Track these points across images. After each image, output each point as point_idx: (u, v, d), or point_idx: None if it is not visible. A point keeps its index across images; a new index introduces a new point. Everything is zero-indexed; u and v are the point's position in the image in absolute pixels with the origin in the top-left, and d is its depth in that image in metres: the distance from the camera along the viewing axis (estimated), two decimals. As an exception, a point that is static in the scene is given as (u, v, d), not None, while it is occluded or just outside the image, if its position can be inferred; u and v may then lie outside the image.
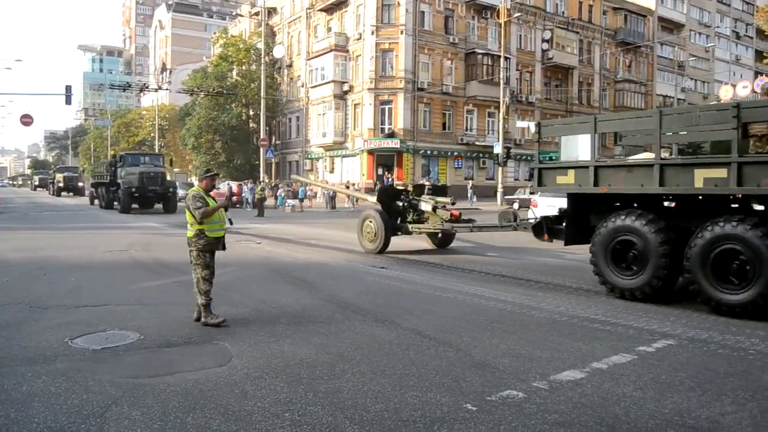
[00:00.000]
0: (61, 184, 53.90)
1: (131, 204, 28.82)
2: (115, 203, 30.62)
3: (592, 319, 7.22)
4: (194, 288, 6.82)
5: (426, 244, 14.83)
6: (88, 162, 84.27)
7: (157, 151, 66.09)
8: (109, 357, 5.60)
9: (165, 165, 33.45)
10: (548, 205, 17.05)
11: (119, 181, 29.51)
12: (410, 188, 15.04)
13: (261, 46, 45.26)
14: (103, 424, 4.07)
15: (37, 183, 77.41)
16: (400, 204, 14.17)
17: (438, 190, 15.00)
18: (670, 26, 61.54)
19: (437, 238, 14.50)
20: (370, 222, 13.55)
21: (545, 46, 48.89)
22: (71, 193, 53.34)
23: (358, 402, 4.48)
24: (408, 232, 13.74)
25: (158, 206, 30.05)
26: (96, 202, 35.81)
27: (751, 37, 73.54)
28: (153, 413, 4.24)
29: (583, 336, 6.43)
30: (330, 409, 4.35)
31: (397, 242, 14.02)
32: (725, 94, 38.63)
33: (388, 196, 14.43)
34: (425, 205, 13.82)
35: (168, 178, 31.86)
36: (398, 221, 14.04)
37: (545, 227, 10.40)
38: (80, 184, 55.55)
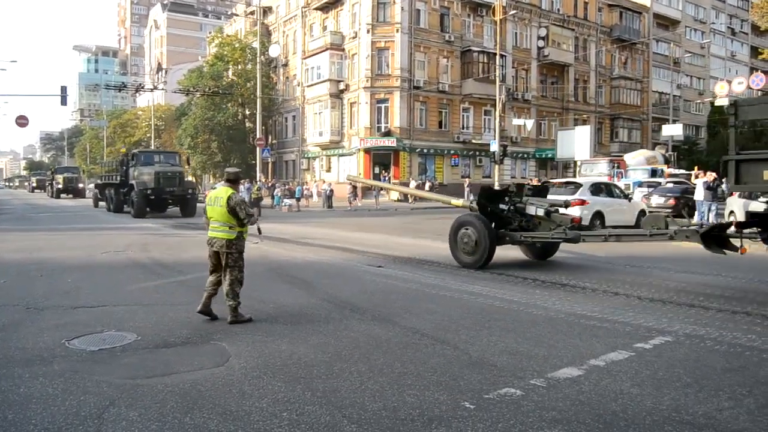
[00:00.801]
0: (60, 186, 51.69)
1: (146, 207, 25.85)
2: (126, 206, 28.12)
3: (589, 316, 7.23)
4: (226, 290, 6.88)
5: (521, 254, 12.76)
6: (84, 162, 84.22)
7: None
8: (106, 358, 5.60)
9: (181, 164, 30.63)
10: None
11: (132, 182, 26.57)
12: (513, 188, 12.30)
13: (257, 45, 45.19)
14: (100, 425, 4.07)
15: (34, 184, 75.55)
16: (504, 207, 11.69)
17: (540, 191, 12.69)
18: (665, 23, 61.62)
19: (536, 249, 12.50)
20: (468, 230, 11.25)
21: (541, 43, 48.92)
22: (71, 195, 51.35)
23: (356, 401, 4.48)
24: (517, 242, 11.52)
25: (173, 209, 27.36)
26: (101, 204, 33.23)
27: (747, 34, 73.65)
28: (151, 414, 4.24)
29: (581, 333, 6.44)
30: (328, 408, 4.36)
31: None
32: (721, 90, 38.76)
33: (488, 198, 11.87)
34: (536, 209, 11.47)
35: (187, 178, 29.59)
36: (501, 228, 11.55)
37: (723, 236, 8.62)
38: (80, 185, 53.80)
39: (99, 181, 35.71)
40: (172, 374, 5.11)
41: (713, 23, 68.12)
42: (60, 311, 7.50)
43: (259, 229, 7.39)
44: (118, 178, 28.90)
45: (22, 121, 43.68)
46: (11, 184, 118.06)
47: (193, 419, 4.16)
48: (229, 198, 6.80)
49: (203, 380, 4.93)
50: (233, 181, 7.16)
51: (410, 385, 4.82)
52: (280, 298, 8.31)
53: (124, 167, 28.43)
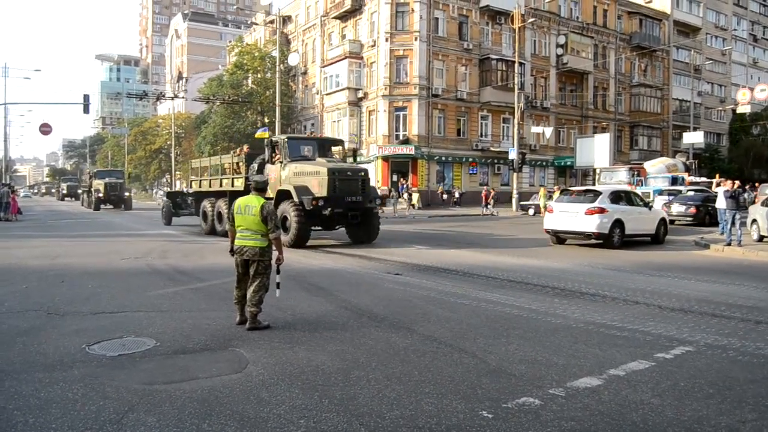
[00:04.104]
0: (101, 194, 41.85)
1: (310, 228, 16.28)
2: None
3: (608, 325, 7.16)
4: (251, 296, 6.90)
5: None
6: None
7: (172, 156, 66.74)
8: (125, 363, 5.64)
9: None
10: (561, 210, 16.99)
11: (286, 187, 16.40)
12: None
13: (276, 54, 45.54)
14: (120, 430, 4.09)
15: (65, 191, 67.44)
16: None
17: None
18: (686, 30, 61.10)
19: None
20: None
21: (560, 51, 48.74)
22: (112, 206, 42.87)
23: (373, 409, 4.47)
24: None
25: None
26: (180, 220, 25.16)
27: (769, 40, 72.84)
28: (169, 419, 4.25)
29: (600, 342, 6.37)
30: (345, 415, 4.34)
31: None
32: (743, 97, 38.34)
33: None
34: None
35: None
36: None
37: None
38: (126, 193, 44.21)
39: (168, 189, 28.62)
40: (191, 380, 5.13)
41: (734, 30, 67.50)
42: (80, 317, 7.57)
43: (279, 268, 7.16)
44: (240, 182, 18.83)
45: (45, 128, 44.42)
46: (36, 190, 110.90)
47: (211, 425, 4.16)
48: (262, 207, 6.84)
49: (221, 386, 4.94)
50: (262, 190, 7.21)
51: (428, 393, 4.79)
52: (298, 306, 8.32)
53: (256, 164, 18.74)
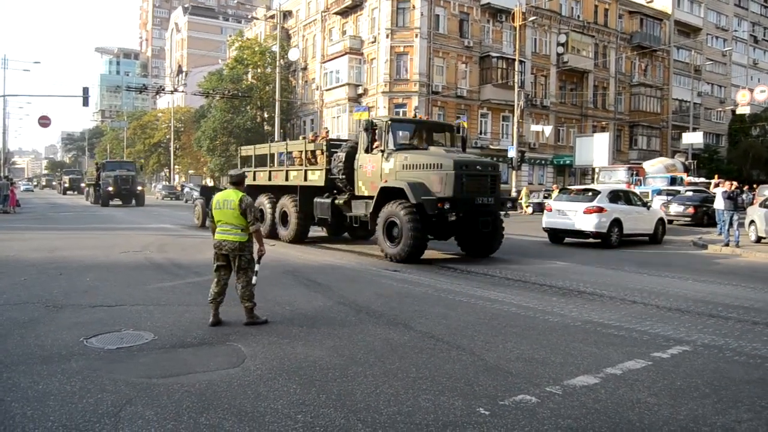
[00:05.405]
0: (110, 188, 38.10)
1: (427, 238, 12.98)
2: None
3: (606, 324, 7.17)
4: (241, 293, 6.87)
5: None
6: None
7: (171, 152, 66.67)
8: (124, 357, 5.64)
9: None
10: (560, 209, 17.01)
11: (396, 184, 13.05)
12: None
13: (276, 49, 45.48)
14: (117, 423, 4.10)
15: (67, 185, 66.13)
16: None
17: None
18: (686, 30, 61.05)
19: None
20: None
21: (560, 49, 48.69)
22: (121, 201, 39.48)
23: (370, 405, 4.48)
24: None
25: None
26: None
27: (769, 41, 72.83)
28: (167, 413, 4.26)
29: (597, 341, 6.39)
30: (343, 411, 4.36)
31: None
32: (742, 98, 38.36)
33: None
34: None
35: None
36: None
37: None
38: (139, 187, 40.37)
39: (208, 183, 21.10)
40: (189, 374, 5.14)
41: (735, 31, 67.45)
42: (78, 310, 7.58)
43: (260, 260, 7.10)
44: (341, 174, 14.83)
45: (44, 121, 44.36)
46: (35, 183, 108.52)
47: (209, 419, 4.18)
48: (240, 200, 6.76)
49: (219, 381, 4.95)
50: (239, 183, 7.09)
51: (425, 389, 4.81)
52: (296, 301, 8.33)
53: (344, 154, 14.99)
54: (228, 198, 6.84)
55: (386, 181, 13.19)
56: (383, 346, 6.08)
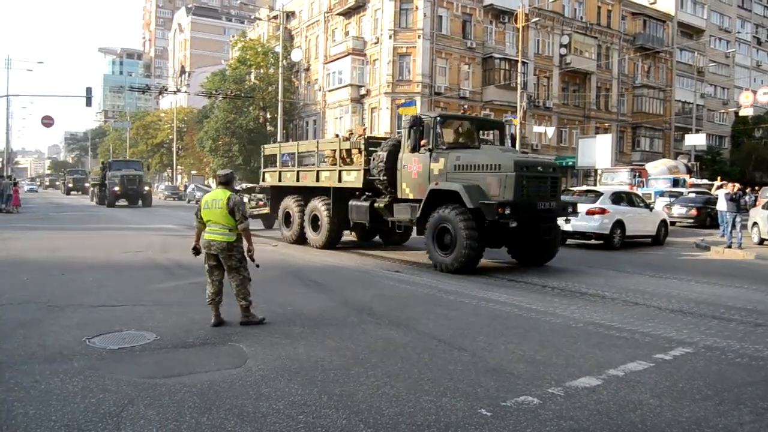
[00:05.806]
0: (116, 188, 37.02)
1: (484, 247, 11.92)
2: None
3: (608, 325, 7.17)
4: (236, 291, 6.87)
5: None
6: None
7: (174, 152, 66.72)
8: (126, 357, 5.65)
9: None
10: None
11: (449, 186, 11.92)
12: None
13: (279, 49, 45.47)
14: (119, 423, 4.10)
15: (71, 185, 64.83)
16: None
17: None
18: (689, 32, 60.94)
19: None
20: None
21: (563, 51, 48.64)
22: (127, 202, 38.59)
23: (372, 405, 4.48)
24: None
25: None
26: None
27: (773, 43, 72.68)
28: (169, 413, 4.27)
29: (599, 342, 6.38)
30: (344, 412, 4.36)
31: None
32: (745, 100, 38.32)
33: None
34: None
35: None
36: None
37: None
38: (146, 188, 39.53)
39: (277, 182, 17.64)
40: (190, 374, 5.14)
41: (738, 32, 67.30)
42: (81, 309, 7.59)
43: (252, 257, 6.95)
44: (383, 170, 13.69)
45: (47, 121, 44.48)
46: (38, 183, 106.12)
47: (211, 419, 4.18)
48: (228, 199, 6.76)
49: (221, 381, 4.95)
50: (227, 183, 7.08)
51: (427, 390, 4.80)
52: (298, 301, 8.33)
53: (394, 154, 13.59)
54: (216, 198, 6.84)
55: (436, 183, 12.02)
56: (385, 347, 6.08)
